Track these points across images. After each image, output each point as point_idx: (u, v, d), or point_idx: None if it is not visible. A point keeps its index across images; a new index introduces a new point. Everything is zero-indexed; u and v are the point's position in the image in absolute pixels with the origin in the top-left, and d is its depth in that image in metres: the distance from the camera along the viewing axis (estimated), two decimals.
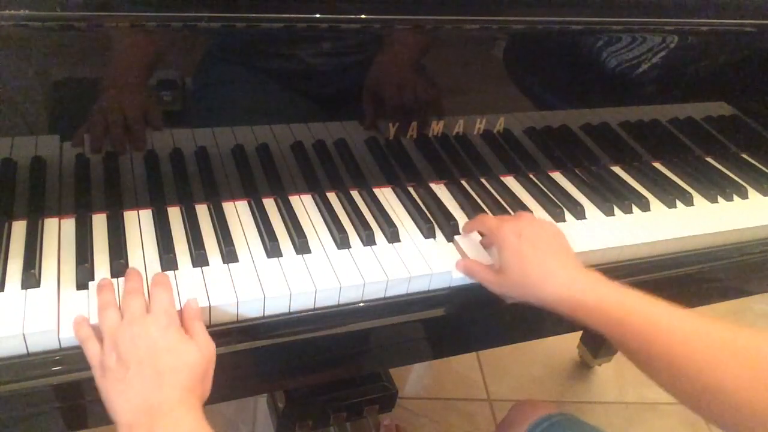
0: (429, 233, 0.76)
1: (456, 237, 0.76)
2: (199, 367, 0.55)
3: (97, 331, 0.57)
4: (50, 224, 0.70)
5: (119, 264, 0.65)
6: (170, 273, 0.65)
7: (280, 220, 0.75)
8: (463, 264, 0.71)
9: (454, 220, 0.78)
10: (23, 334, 0.56)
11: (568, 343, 1.60)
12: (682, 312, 0.57)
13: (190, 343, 0.56)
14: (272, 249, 0.70)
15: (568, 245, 0.67)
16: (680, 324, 0.56)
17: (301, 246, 0.71)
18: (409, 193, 0.83)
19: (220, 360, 0.62)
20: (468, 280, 0.71)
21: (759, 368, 0.51)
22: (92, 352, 0.56)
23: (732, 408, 0.52)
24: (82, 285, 0.63)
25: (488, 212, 0.82)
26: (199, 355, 0.56)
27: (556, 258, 0.64)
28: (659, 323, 0.57)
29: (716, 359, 0.53)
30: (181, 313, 0.60)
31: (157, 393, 0.52)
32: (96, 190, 0.72)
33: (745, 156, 1.05)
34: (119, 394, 0.53)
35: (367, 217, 0.77)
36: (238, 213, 0.76)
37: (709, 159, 1.02)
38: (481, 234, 0.75)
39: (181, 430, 0.51)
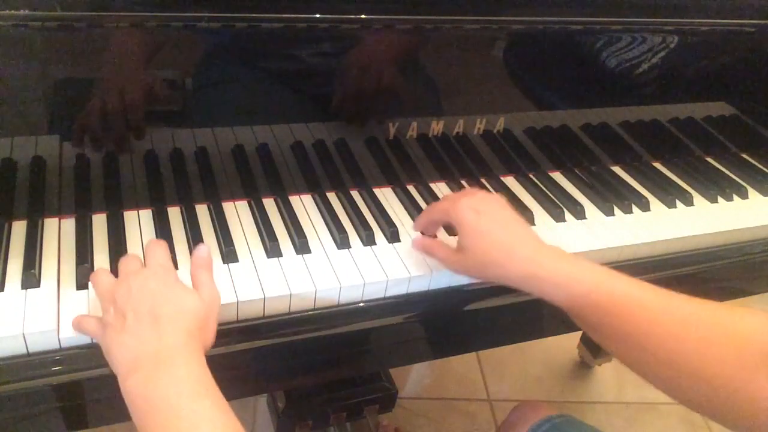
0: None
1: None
2: (199, 313, 0.54)
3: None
4: (50, 224, 0.70)
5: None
6: None
7: (280, 220, 0.75)
8: (421, 241, 0.69)
9: None
10: (23, 334, 0.56)
11: (568, 343, 1.60)
12: (647, 286, 0.56)
13: (190, 291, 0.56)
14: (272, 249, 0.70)
15: (523, 220, 0.65)
16: (645, 297, 0.55)
17: (301, 246, 0.71)
18: (409, 193, 0.83)
19: (220, 360, 0.62)
20: (468, 280, 0.71)
21: (729, 343, 0.50)
22: (89, 322, 0.56)
23: (701, 386, 0.51)
24: (82, 285, 0.63)
25: None
26: (199, 303, 0.55)
27: (517, 234, 0.62)
28: (627, 298, 0.55)
29: (684, 335, 0.52)
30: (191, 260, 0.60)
31: (155, 340, 0.51)
32: (96, 190, 0.72)
33: (745, 156, 1.05)
34: (118, 345, 0.52)
35: (367, 217, 0.77)
36: (238, 213, 0.76)
37: (709, 159, 1.02)
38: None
39: (179, 378, 0.50)
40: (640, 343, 0.55)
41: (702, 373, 0.51)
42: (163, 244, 0.61)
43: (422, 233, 0.74)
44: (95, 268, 0.64)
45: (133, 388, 0.50)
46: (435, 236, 0.74)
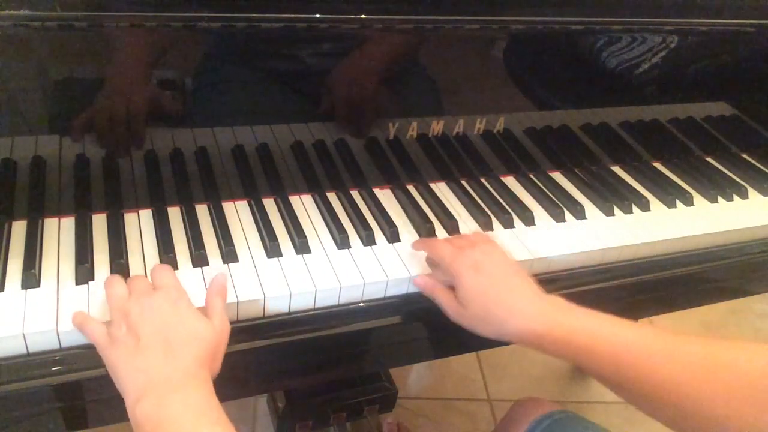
0: (429, 233, 0.76)
1: None
2: (211, 343, 0.54)
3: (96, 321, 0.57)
4: (50, 224, 0.70)
5: (119, 264, 0.65)
6: None
7: (280, 220, 0.75)
8: (423, 282, 0.67)
9: (454, 220, 0.78)
10: (23, 334, 0.56)
11: None
12: (651, 331, 0.56)
13: (202, 318, 0.56)
14: (272, 249, 0.70)
15: (525, 272, 0.65)
16: (650, 344, 0.55)
17: (301, 246, 0.71)
18: (409, 193, 0.83)
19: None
20: None
21: (733, 382, 0.50)
22: (95, 329, 0.55)
23: (711, 426, 0.51)
24: (82, 285, 0.62)
25: (488, 212, 0.81)
26: (211, 330, 0.55)
27: (517, 291, 0.62)
28: (628, 346, 0.55)
29: (689, 377, 0.52)
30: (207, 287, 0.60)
31: (168, 365, 0.51)
32: (96, 190, 0.72)
33: (745, 156, 1.05)
34: (128, 364, 0.52)
35: (367, 217, 0.77)
36: (238, 213, 0.76)
37: (709, 159, 1.02)
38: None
39: (191, 405, 0.50)
40: (645, 390, 0.54)
41: (711, 414, 0.50)
42: (170, 269, 0.61)
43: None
44: (107, 274, 0.64)
45: (143, 413, 0.49)
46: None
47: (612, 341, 0.56)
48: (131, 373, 0.52)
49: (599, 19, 0.80)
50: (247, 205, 0.77)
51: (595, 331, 0.57)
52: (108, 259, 0.66)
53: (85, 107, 0.66)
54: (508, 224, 0.80)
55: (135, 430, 0.50)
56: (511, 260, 0.66)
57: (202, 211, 0.74)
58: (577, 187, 0.90)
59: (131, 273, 0.65)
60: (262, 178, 0.78)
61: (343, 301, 0.68)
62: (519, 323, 0.60)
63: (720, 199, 0.92)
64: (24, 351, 0.57)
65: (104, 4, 0.60)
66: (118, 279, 0.59)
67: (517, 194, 0.86)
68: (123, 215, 0.72)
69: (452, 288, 0.65)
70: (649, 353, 0.54)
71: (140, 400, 0.50)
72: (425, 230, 0.76)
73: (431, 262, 0.70)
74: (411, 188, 0.84)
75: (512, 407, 0.84)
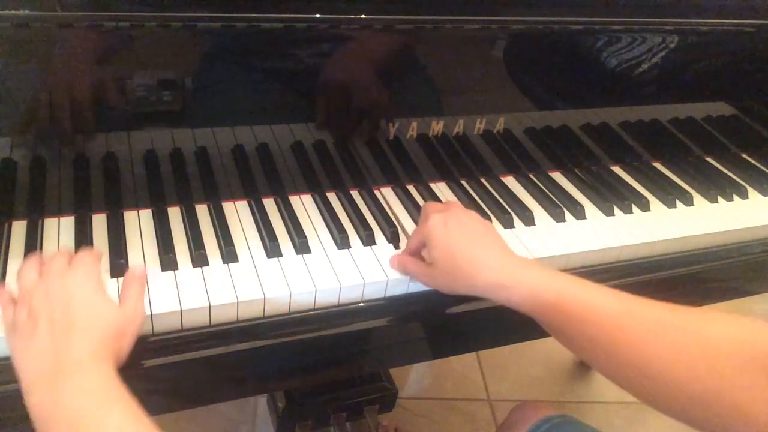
0: None
1: None
2: (115, 325, 0.53)
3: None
4: (50, 224, 0.70)
5: (119, 264, 0.65)
6: (170, 273, 0.65)
7: (280, 220, 0.75)
8: (397, 260, 0.69)
9: None
10: None
11: None
12: (616, 292, 0.56)
13: (108, 301, 0.54)
14: (272, 249, 0.70)
15: (497, 233, 0.66)
16: (613, 304, 0.55)
17: (301, 246, 0.71)
18: (409, 193, 0.83)
19: (221, 360, 0.62)
20: None
21: (696, 348, 0.49)
22: (8, 313, 0.54)
23: (660, 386, 0.51)
24: None
25: (488, 212, 0.82)
26: (117, 314, 0.54)
27: (485, 245, 0.63)
28: (594, 305, 0.55)
29: (653, 338, 0.51)
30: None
31: (63, 348, 0.49)
32: (96, 190, 0.72)
33: (745, 156, 1.05)
34: (24, 351, 0.50)
35: (367, 217, 0.77)
36: (238, 213, 0.76)
37: (709, 159, 1.02)
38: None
39: (86, 390, 0.47)
40: (607, 349, 0.54)
41: (673, 379, 0.50)
42: (93, 251, 0.59)
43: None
44: (107, 274, 0.64)
45: (35, 402, 0.47)
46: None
47: (578, 299, 0.56)
48: (24, 361, 0.50)
49: (599, 19, 0.80)
50: (247, 205, 0.77)
51: (562, 289, 0.57)
52: (108, 259, 0.66)
53: (85, 107, 0.66)
54: (508, 224, 0.80)
55: (34, 424, 0.47)
56: (484, 221, 0.67)
57: (202, 211, 0.74)
58: (577, 187, 0.90)
59: None
60: (262, 178, 0.78)
61: (343, 301, 0.68)
62: (486, 276, 0.60)
63: (720, 199, 0.92)
64: None
65: (104, 4, 0.60)
66: (31, 263, 0.57)
67: (517, 194, 0.86)
68: (123, 215, 0.72)
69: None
70: (616, 313, 0.54)
71: (33, 389, 0.48)
72: None
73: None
74: (411, 188, 0.84)
75: (511, 412, 0.84)
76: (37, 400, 0.48)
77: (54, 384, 0.47)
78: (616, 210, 0.86)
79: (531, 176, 0.91)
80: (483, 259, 0.61)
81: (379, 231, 0.76)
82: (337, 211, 0.77)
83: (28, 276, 0.56)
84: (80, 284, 0.54)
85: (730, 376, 0.47)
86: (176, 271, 0.65)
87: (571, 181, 0.91)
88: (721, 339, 0.49)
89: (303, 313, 0.66)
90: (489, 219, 0.80)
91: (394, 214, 0.79)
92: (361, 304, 0.68)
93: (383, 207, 0.79)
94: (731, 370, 0.47)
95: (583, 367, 1.59)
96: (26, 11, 0.57)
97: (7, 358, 0.56)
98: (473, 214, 0.67)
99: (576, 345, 0.58)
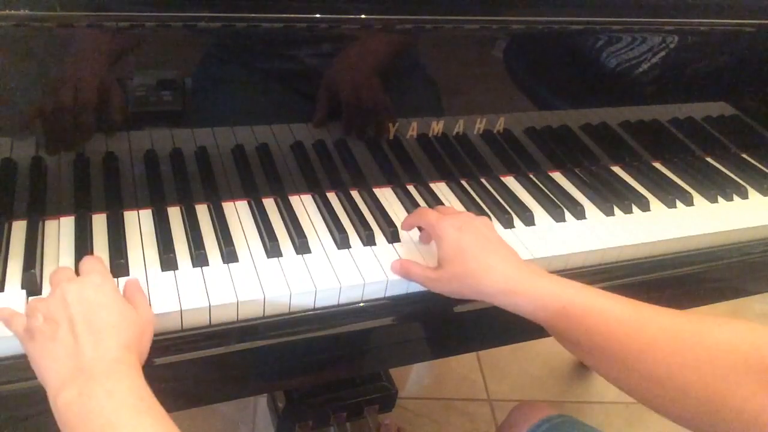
0: None
1: None
2: (136, 326, 0.52)
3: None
4: (50, 224, 0.70)
5: (119, 264, 0.65)
6: (170, 273, 0.65)
7: (280, 220, 0.75)
8: (399, 264, 0.68)
9: None
10: None
11: None
12: (622, 300, 0.56)
13: (126, 303, 0.54)
14: (272, 249, 0.70)
15: (504, 240, 0.66)
16: (621, 312, 0.55)
17: (301, 246, 0.71)
18: (409, 193, 0.83)
19: (220, 360, 0.62)
20: None
21: (701, 353, 0.50)
22: (17, 323, 0.52)
23: (667, 392, 0.51)
24: None
25: (488, 212, 0.82)
26: (136, 314, 0.53)
27: (496, 252, 0.63)
28: (600, 312, 0.56)
29: (652, 344, 0.52)
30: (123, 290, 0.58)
31: (91, 350, 0.48)
32: (96, 190, 0.72)
33: (745, 156, 1.05)
34: (48, 354, 0.49)
35: (367, 217, 0.77)
36: (238, 213, 0.76)
37: (709, 159, 1.02)
38: (420, 229, 0.74)
39: (119, 390, 0.46)
40: (616, 357, 0.54)
41: (680, 385, 0.50)
42: (98, 258, 0.60)
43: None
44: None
45: (65, 403, 0.46)
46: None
47: (586, 307, 0.56)
48: (50, 363, 0.49)
49: (599, 19, 0.80)
50: (247, 205, 0.77)
51: (571, 296, 0.58)
52: (108, 259, 0.66)
53: (85, 107, 0.66)
54: (508, 224, 0.80)
55: (59, 425, 0.47)
56: (494, 229, 0.68)
57: (202, 211, 0.74)
58: (577, 187, 0.90)
59: (131, 273, 0.65)
60: (262, 178, 0.78)
61: (343, 301, 0.68)
62: (495, 281, 0.61)
63: (720, 199, 0.92)
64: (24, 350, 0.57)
65: (104, 4, 0.60)
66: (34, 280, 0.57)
67: (517, 194, 0.86)
68: (123, 215, 0.72)
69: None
70: (623, 320, 0.55)
71: (61, 391, 0.47)
72: None
73: (423, 239, 0.73)
74: (411, 188, 0.84)
75: (510, 412, 0.84)
76: (65, 402, 0.46)
77: (83, 387, 0.47)
78: (616, 210, 0.86)
79: (531, 176, 0.91)
80: (494, 264, 0.61)
81: (379, 231, 0.76)
82: (337, 211, 0.77)
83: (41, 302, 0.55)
84: (99, 286, 0.53)
85: (736, 382, 0.47)
86: (176, 271, 0.65)
87: (571, 181, 0.91)
88: (728, 345, 0.49)
89: (303, 313, 0.66)
90: (489, 219, 0.79)
91: (395, 214, 0.79)
92: (361, 304, 0.68)
93: (383, 207, 0.79)
94: (737, 376, 0.47)
95: (583, 367, 1.59)
96: (26, 11, 0.57)
97: (9, 358, 0.57)
98: (487, 222, 0.68)
99: (583, 352, 0.58)
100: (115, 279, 0.63)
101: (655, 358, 0.52)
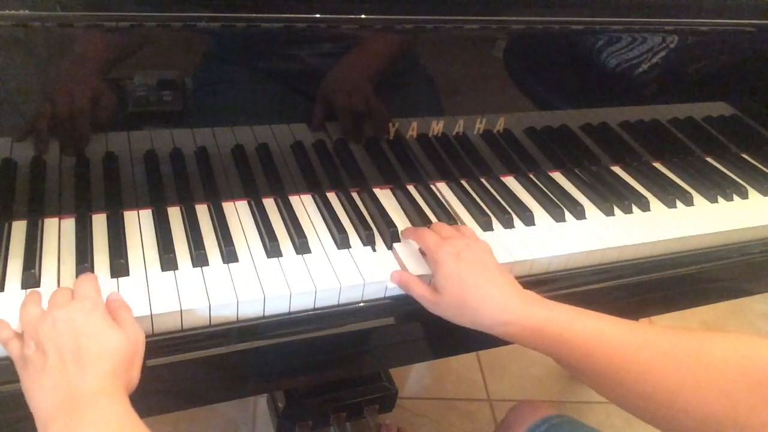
0: None
1: None
2: (125, 354, 0.52)
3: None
4: (50, 224, 0.70)
5: (119, 264, 0.65)
6: (170, 273, 0.65)
7: (280, 220, 0.75)
8: (399, 276, 0.68)
9: (455, 220, 0.78)
10: None
11: None
12: (621, 322, 0.57)
13: (116, 329, 0.53)
14: (272, 249, 0.70)
15: (502, 267, 0.66)
16: (620, 335, 0.55)
17: (301, 246, 0.71)
18: (409, 193, 0.83)
19: (220, 361, 0.62)
20: None
21: (700, 371, 0.50)
22: (13, 347, 0.53)
23: (668, 412, 0.51)
24: None
25: (488, 212, 0.82)
26: (125, 341, 0.53)
27: (493, 281, 0.62)
28: (599, 336, 0.56)
29: (651, 365, 0.52)
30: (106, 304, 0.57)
31: (78, 381, 0.49)
32: (96, 190, 0.72)
33: (745, 156, 1.05)
34: (37, 385, 0.49)
35: (367, 217, 0.77)
36: (238, 213, 0.76)
37: (709, 159, 1.02)
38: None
39: (103, 421, 0.47)
40: (613, 379, 0.55)
41: (681, 405, 0.50)
42: (92, 278, 0.59)
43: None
44: (108, 274, 0.64)
45: None
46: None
47: (583, 332, 0.57)
48: (39, 395, 0.49)
49: (599, 19, 0.80)
50: (247, 205, 0.77)
51: (567, 323, 0.58)
52: (108, 259, 0.66)
53: (85, 107, 0.66)
54: (508, 224, 0.80)
55: None
56: (492, 256, 0.67)
57: (202, 211, 0.74)
58: (577, 187, 0.90)
59: (132, 273, 0.65)
60: (262, 178, 0.78)
61: (343, 301, 0.68)
62: (493, 312, 0.60)
63: (720, 199, 0.92)
64: None
65: (104, 4, 0.60)
66: (32, 298, 0.57)
67: (517, 194, 0.86)
68: (123, 215, 0.72)
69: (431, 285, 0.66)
70: (619, 344, 0.55)
71: (48, 424, 0.47)
72: None
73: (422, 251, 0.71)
74: (411, 188, 0.84)
75: (509, 412, 0.84)
76: None
77: (69, 420, 0.47)
78: (616, 210, 0.86)
79: (531, 176, 0.91)
80: (491, 295, 0.61)
81: (379, 231, 0.75)
82: (337, 211, 0.77)
83: (30, 311, 0.55)
84: (87, 313, 0.53)
85: (737, 398, 0.47)
86: (176, 271, 0.66)
87: (571, 181, 0.91)
88: (727, 361, 0.50)
89: (303, 313, 0.66)
90: (489, 219, 0.79)
91: (395, 214, 0.79)
92: (361, 304, 0.68)
93: (383, 207, 0.79)
94: (738, 392, 0.48)
95: None
96: (26, 11, 0.57)
97: (7, 358, 0.56)
98: (486, 247, 0.67)
99: (583, 375, 0.58)
100: (115, 279, 0.63)
101: (654, 380, 0.52)
